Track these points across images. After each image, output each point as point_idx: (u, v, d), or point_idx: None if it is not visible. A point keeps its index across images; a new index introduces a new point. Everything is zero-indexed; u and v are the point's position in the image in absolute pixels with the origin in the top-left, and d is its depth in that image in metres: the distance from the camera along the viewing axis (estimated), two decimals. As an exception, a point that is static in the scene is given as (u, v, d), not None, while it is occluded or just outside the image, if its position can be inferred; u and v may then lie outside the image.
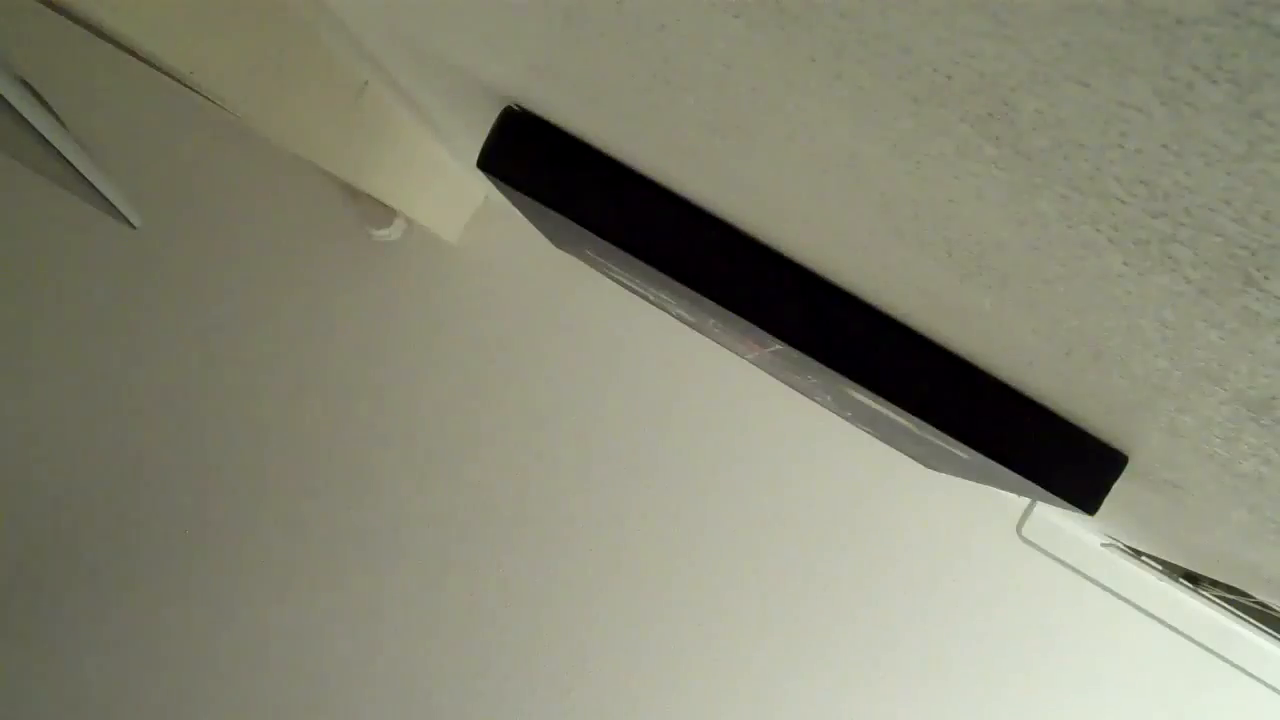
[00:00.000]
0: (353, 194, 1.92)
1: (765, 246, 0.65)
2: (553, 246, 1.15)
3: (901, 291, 0.54)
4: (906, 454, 1.03)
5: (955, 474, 0.89)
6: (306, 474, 1.99)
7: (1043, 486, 0.61)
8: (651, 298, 1.02)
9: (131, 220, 1.14)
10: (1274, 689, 1.80)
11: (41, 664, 2.02)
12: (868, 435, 1.16)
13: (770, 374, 1.11)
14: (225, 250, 1.99)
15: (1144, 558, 1.21)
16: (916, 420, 0.64)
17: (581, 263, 1.15)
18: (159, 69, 1.01)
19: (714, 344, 1.31)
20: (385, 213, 1.86)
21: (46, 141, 0.85)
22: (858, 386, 0.65)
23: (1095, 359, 0.43)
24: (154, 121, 1.98)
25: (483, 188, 1.84)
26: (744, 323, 0.66)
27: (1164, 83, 0.21)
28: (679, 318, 1.10)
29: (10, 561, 2.02)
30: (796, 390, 1.13)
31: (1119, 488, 0.62)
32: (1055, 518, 1.65)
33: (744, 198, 0.55)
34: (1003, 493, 1.46)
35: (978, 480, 0.81)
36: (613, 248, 0.68)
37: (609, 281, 1.40)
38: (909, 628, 1.93)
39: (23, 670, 2.02)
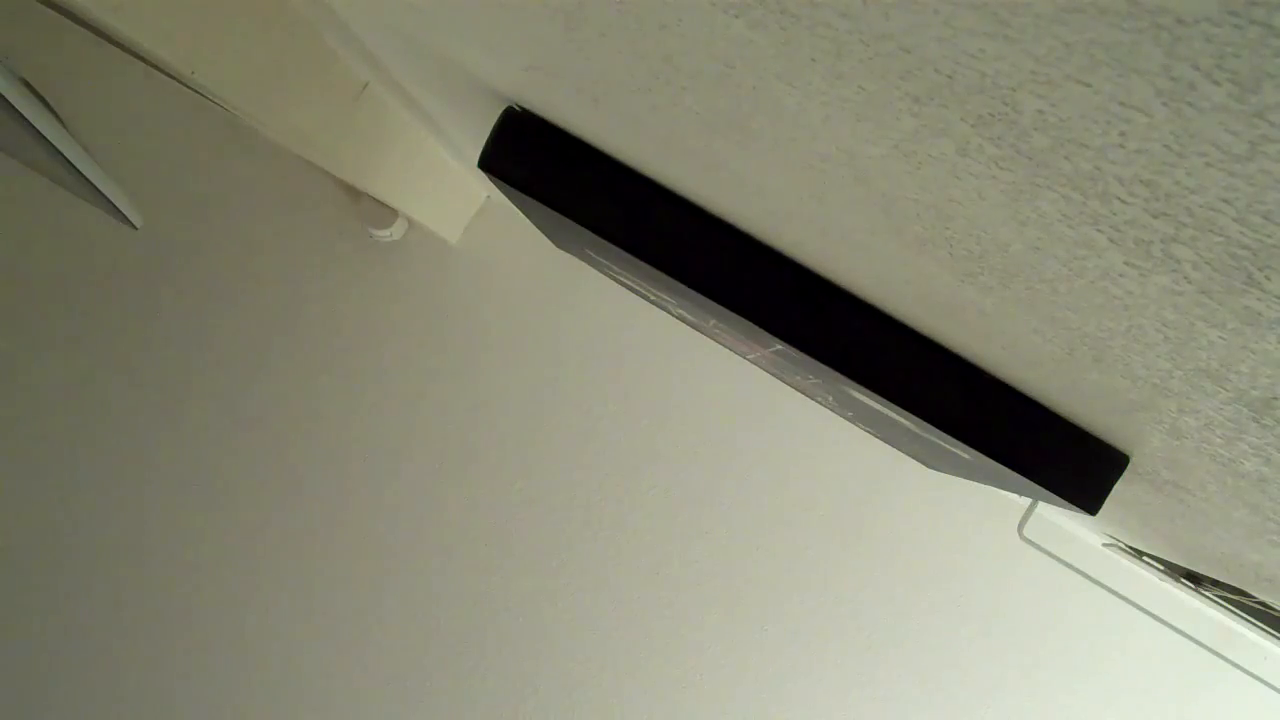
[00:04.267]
0: (354, 194, 1.92)
1: (765, 246, 0.65)
2: (553, 246, 1.15)
3: (902, 291, 0.54)
4: (907, 454, 1.03)
5: (956, 474, 0.89)
6: (306, 474, 1.99)
7: (1044, 486, 0.61)
8: (652, 297, 1.02)
9: (132, 220, 1.14)
10: (1275, 689, 1.80)
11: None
12: (869, 435, 1.16)
13: (771, 374, 1.11)
14: (225, 250, 1.99)
15: (1145, 558, 1.21)
16: (917, 420, 0.64)
17: (582, 263, 1.15)
18: (159, 69, 1.01)
19: (714, 344, 1.31)
20: (386, 213, 1.86)
21: (46, 141, 0.85)
22: (858, 386, 0.65)
23: (1097, 359, 0.43)
24: (154, 121, 1.98)
25: (484, 188, 1.84)
26: (745, 323, 0.66)
27: (1165, 83, 0.21)
28: (679, 318, 1.10)
29: (7, 564, 2.02)
30: (797, 390, 1.13)
31: (1120, 488, 0.62)
32: (1056, 517, 1.65)
33: (744, 198, 0.55)
34: (1004, 492, 1.45)
35: (979, 480, 0.81)
36: (613, 248, 0.68)
37: (609, 281, 1.40)
38: (910, 627, 1.93)
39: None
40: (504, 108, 0.69)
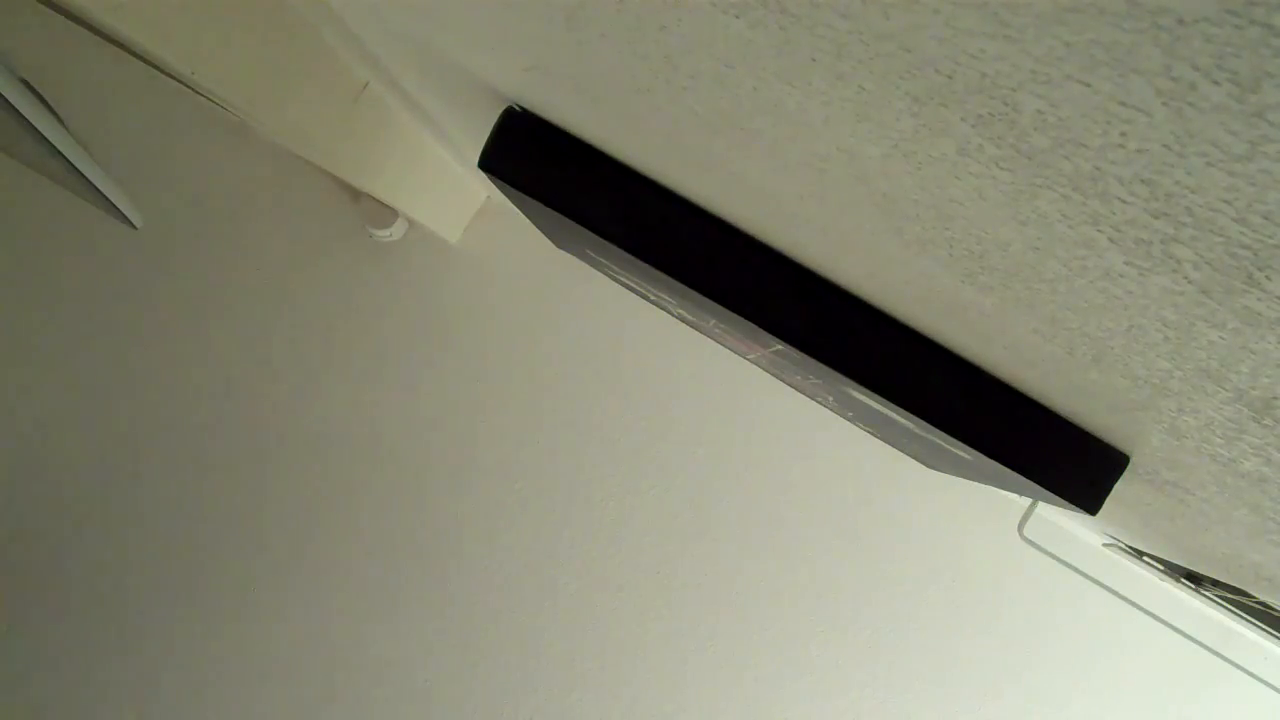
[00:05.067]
0: (354, 194, 1.92)
1: (766, 246, 0.65)
2: (553, 246, 1.15)
3: (902, 291, 0.54)
4: (908, 454, 1.03)
5: (957, 474, 0.89)
6: (306, 474, 1.99)
7: (1044, 486, 0.61)
8: (652, 297, 1.02)
9: (132, 220, 1.14)
10: (1275, 689, 1.80)
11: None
12: (869, 435, 1.16)
13: (771, 374, 1.11)
14: (226, 250, 1.99)
15: (1145, 557, 1.21)
16: (918, 420, 0.64)
17: (582, 263, 1.15)
18: (159, 69, 1.01)
19: (714, 344, 1.31)
20: (386, 213, 1.86)
21: (47, 141, 0.85)
22: (859, 387, 0.65)
23: (1097, 359, 0.43)
24: (154, 121, 1.98)
25: (484, 188, 1.84)
26: (745, 323, 0.66)
27: (1165, 83, 0.21)
28: (679, 318, 1.10)
29: (7, 564, 2.02)
30: (798, 390, 1.13)
31: (1120, 488, 0.62)
32: (1057, 517, 1.65)
33: (745, 198, 0.55)
34: (1004, 492, 1.45)
35: (979, 480, 0.81)
36: (613, 248, 0.68)
37: (609, 281, 1.40)
38: (911, 627, 1.93)
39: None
40: (504, 108, 0.69)
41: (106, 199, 1.03)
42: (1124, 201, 0.27)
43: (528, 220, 0.93)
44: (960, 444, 0.63)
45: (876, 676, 1.93)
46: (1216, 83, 0.19)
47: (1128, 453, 0.60)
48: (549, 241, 1.07)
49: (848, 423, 1.14)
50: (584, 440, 1.96)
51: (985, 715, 1.92)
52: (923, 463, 1.01)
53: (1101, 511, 0.61)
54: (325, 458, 1.99)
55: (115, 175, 1.02)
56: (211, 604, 2.01)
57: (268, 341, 1.99)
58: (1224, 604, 1.09)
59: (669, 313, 1.12)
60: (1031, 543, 1.78)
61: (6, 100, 0.77)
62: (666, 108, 0.46)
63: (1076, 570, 1.76)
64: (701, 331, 1.09)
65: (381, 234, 1.90)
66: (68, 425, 2.01)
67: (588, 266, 1.16)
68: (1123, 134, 0.24)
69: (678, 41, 0.36)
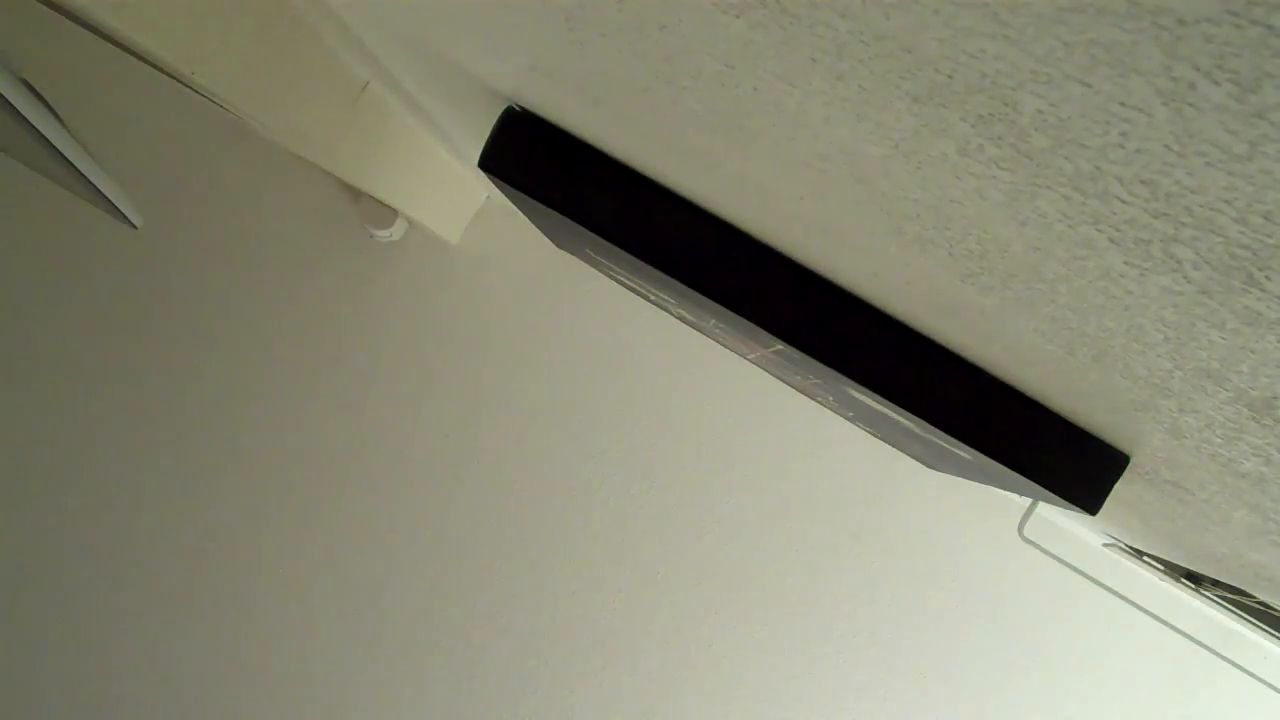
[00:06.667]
0: (354, 194, 1.92)
1: (766, 246, 0.65)
2: (553, 246, 1.15)
3: (903, 292, 0.54)
4: (908, 454, 1.03)
5: (957, 474, 0.89)
6: (304, 474, 1.99)
7: (1044, 486, 0.61)
8: (652, 297, 1.02)
9: (132, 220, 1.14)
10: (1275, 689, 1.80)
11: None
12: (869, 435, 1.16)
13: (771, 374, 1.11)
14: (226, 250, 1.99)
15: (1145, 557, 1.21)
16: (918, 420, 0.64)
17: (582, 263, 1.15)
18: (159, 69, 1.01)
19: (714, 344, 1.31)
20: (386, 213, 1.86)
21: (46, 141, 0.85)
22: (859, 387, 0.65)
23: (1097, 359, 0.43)
24: (154, 121, 1.98)
25: (484, 188, 1.84)
26: (745, 323, 0.66)
27: (1165, 83, 0.21)
28: (680, 318, 1.10)
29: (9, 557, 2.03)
30: (798, 390, 1.13)
31: (1120, 488, 0.62)
32: (1057, 517, 1.65)
33: (745, 198, 0.55)
34: (1004, 492, 1.46)
35: (979, 480, 0.81)
36: (613, 248, 0.68)
37: (609, 281, 1.40)
38: (911, 627, 1.93)
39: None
40: (504, 108, 0.69)
41: (106, 199, 1.03)
42: (1124, 201, 0.27)
43: (528, 220, 0.93)
44: (960, 444, 0.63)
45: (876, 676, 1.93)
46: (1216, 83, 0.19)
47: (1128, 453, 0.60)
48: (549, 241, 1.07)
49: (848, 423, 1.14)
50: (584, 440, 1.96)
51: (985, 715, 1.92)
52: (923, 463, 1.01)
53: (1101, 511, 0.61)
54: (324, 457, 1.99)
55: (115, 175, 1.02)
56: (205, 612, 2.01)
57: (268, 341, 1.99)
58: (1224, 604, 1.09)
59: (669, 313, 1.12)
60: (1031, 543, 1.78)
61: (6, 100, 0.77)
62: (667, 108, 0.46)
63: (1076, 570, 1.76)
64: (701, 331, 1.09)
65: (381, 234, 1.90)
66: (67, 423, 2.01)
67: (588, 266, 1.16)
68: (1123, 134, 0.24)
69: (678, 41, 0.36)
